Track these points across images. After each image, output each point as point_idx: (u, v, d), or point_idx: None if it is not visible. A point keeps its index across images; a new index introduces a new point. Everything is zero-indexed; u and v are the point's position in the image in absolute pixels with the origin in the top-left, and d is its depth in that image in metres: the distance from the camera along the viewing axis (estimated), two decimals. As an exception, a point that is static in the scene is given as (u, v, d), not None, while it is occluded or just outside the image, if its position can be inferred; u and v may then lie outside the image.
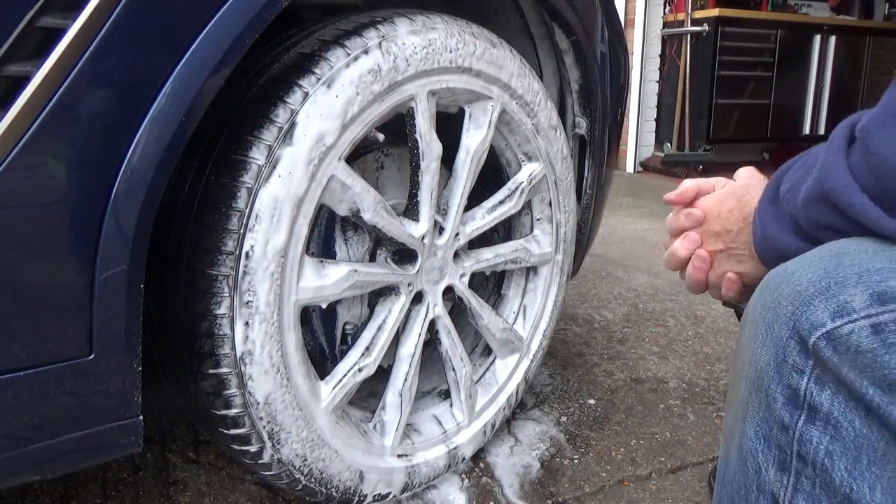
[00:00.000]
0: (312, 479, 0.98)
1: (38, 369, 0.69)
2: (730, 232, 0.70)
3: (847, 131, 0.54)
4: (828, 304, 0.50)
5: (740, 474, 0.57)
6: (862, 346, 0.48)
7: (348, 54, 0.88)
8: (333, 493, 1.02)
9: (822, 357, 0.50)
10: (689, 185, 0.76)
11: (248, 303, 0.84)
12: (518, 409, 1.44)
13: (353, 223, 1.03)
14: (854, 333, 0.48)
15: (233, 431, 0.89)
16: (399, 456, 1.10)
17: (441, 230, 1.09)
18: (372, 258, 1.08)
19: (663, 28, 4.98)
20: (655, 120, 5.15)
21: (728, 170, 0.77)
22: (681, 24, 4.82)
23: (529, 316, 1.33)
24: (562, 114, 1.37)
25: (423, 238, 1.05)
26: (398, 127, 1.01)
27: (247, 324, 0.84)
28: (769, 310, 0.54)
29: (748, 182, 0.71)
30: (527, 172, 1.20)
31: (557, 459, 1.29)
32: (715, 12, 4.68)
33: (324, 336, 1.08)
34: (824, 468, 0.51)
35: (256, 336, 0.85)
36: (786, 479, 0.53)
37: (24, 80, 0.62)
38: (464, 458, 1.23)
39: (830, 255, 0.52)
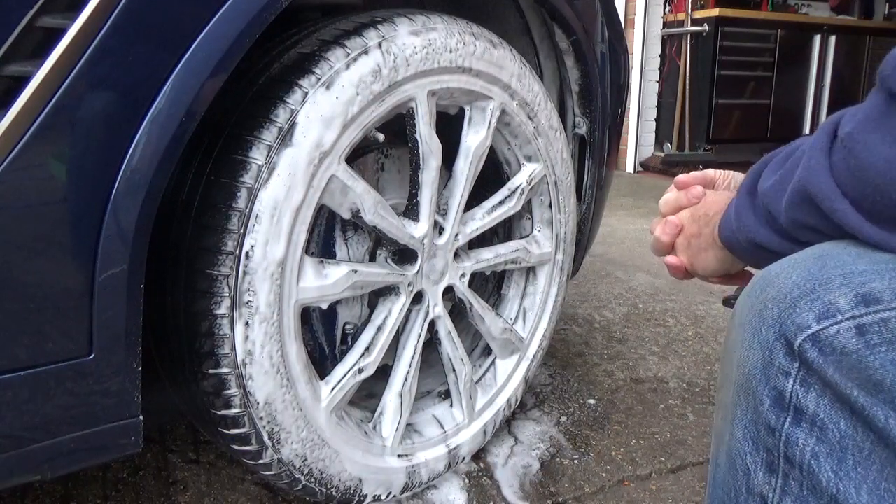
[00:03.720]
0: (312, 479, 0.98)
1: (38, 369, 0.69)
2: (707, 216, 0.70)
3: (831, 130, 0.53)
4: (813, 306, 0.50)
5: (730, 476, 0.57)
6: (847, 348, 0.48)
7: (348, 54, 0.87)
8: (333, 493, 1.02)
9: (807, 359, 0.50)
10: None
11: (248, 303, 0.84)
12: (518, 409, 1.44)
13: (353, 223, 1.03)
14: (839, 335, 0.48)
15: (233, 431, 0.89)
16: (399, 456, 1.10)
17: (441, 230, 1.09)
18: (372, 258, 1.08)
19: (663, 28, 4.98)
20: (655, 120, 5.15)
21: (728, 170, 0.77)
22: (681, 24, 4.82)
23: (529, 316, 1.33)
24: (562, 114, 1.37)
25: (423, 238, 1.05)
26: (398, 127, 1.01)
27: (247, 324, 0.84)
28: (755, 313, 0.54)
29: None
30: (527, 173, 1.20)
31: (557, 459, 1.29)
32: (715, 12, 4.68)
33: (324, 336, 1.08)
34: (811, 470, 0.51)
35: (256, 336, 0.85)
36: (774, 481, 0.54)
37: (24, 80, 0.62)
38: (464, 459, 1.23)
39: (814, 257, 0.53)
